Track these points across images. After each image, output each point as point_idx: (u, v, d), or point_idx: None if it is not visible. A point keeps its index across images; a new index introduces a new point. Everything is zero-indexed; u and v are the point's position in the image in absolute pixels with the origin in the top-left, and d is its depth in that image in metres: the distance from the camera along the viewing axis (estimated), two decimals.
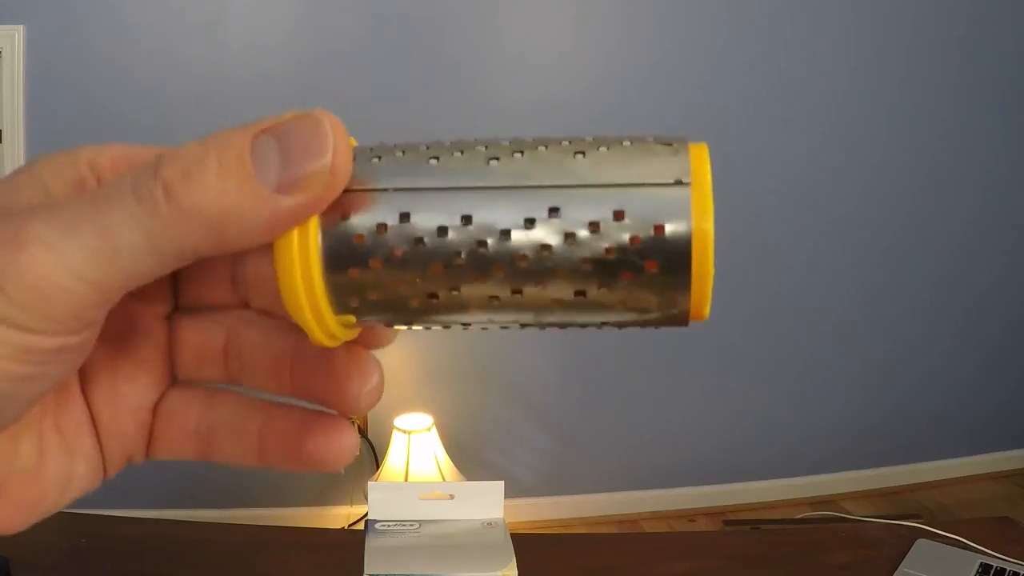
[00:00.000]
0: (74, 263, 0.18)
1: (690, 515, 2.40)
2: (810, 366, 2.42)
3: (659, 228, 0.19)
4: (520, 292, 0.20)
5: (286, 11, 2.01)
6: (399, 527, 0.52)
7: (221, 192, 0.18)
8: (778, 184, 2.24)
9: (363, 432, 2.16)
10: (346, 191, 0.20)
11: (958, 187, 2.36)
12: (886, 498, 2.49)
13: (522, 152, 0.20)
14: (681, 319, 0.20)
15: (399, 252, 0.20)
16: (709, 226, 0.19)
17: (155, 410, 0.25)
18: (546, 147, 0.20)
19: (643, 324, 0.20)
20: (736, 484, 2.44)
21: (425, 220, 0.20)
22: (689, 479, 2.42)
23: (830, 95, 2.21)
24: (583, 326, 0.21)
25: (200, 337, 0.25)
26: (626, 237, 0.19)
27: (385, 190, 0.20)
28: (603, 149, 0.20)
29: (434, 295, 0.20)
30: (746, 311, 2.31)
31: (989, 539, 0.97)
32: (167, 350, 0.25)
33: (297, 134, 0.19)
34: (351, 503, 2.20)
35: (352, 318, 0.21)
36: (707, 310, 0.20)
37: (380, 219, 0.20)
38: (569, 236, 0.19)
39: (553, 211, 0.19)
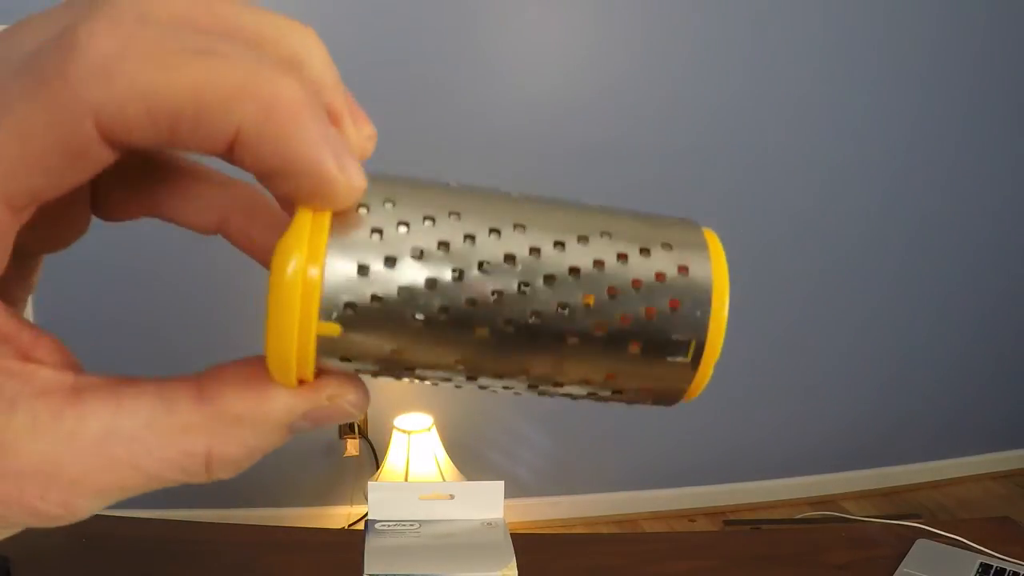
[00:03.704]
0: None
1: (690, 515, 2.40)
2: (810, 366, 2.42)
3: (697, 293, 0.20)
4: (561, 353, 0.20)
5: (291, 4, 2.01)
6: (399, 527, 0.52)
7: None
8: (776, 184, 2.24)
9: (363, 432, 2.17)
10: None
11: (959, 187, 2.36)
12: (886, 498, 2.50)
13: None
14: (677, 395, 0.21)
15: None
16: (724, 313, 0.20)
17: None
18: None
19: (640, 397, 0.21)
20: (736, 484, 2.44)
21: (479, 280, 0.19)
22: (689, 479, 2.42)
23: (833, 96, 2.20)
24: (584, 394, 0.22)
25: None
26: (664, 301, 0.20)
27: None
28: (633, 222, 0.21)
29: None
30: (744, 311, 2.31)
31: (989, 539, 0.97)
32: None
33: None
34: (351, 503, 2.20)
35: (336, 327, 0.19)
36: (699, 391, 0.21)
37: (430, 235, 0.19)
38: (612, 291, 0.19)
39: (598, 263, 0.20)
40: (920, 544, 0.97)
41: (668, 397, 0.21)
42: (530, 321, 0.19)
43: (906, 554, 0.94)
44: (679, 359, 0.20)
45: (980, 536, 0.98)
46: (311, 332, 0.18)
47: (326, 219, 0.18)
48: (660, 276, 0.20)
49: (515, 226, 0.19)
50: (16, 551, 0.79)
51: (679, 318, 0.20)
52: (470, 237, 0.19)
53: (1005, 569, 0.92)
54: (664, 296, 0.20)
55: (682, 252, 0.20)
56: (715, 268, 0.20)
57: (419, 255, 0.18)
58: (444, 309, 0.19)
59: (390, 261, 0.18)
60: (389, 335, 0.19)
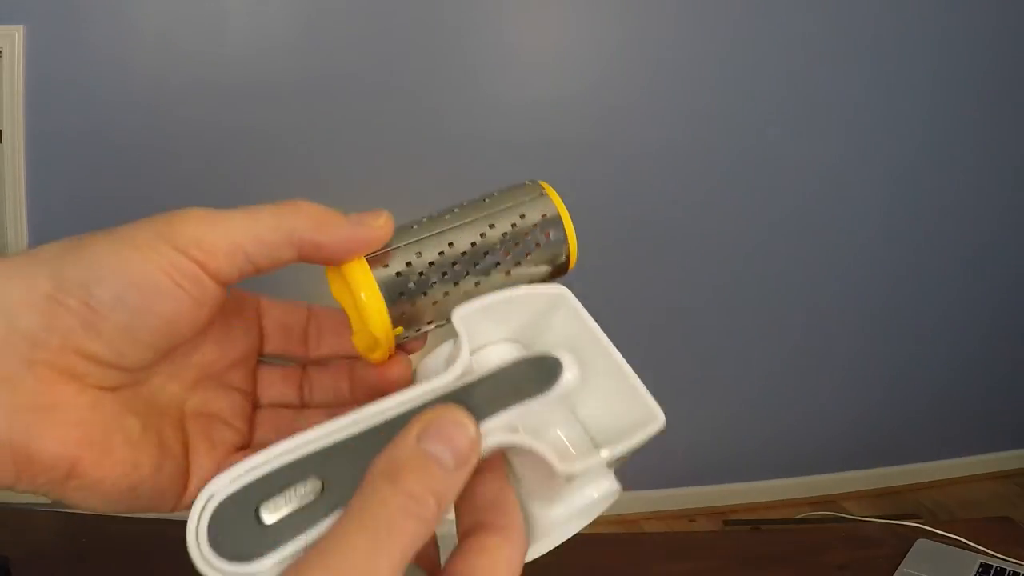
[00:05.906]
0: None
1: (690, 515, 2.40)
2: (810, 365, 2.42)
3: (546, 217, 0.34)
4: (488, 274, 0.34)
5: (287, 6, 2.00)
6: None
7: None
8: (776, 183, 2.24)
9: None
10: (381, 253, 0.31)
11: (957, 185, 2.36)
12: (886, 498, 2.49)
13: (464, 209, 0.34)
14: (565, 268, 0.35)
15: (422, 272, 0.32)
16: (566, 214, 0.34)
17: None
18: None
19: (550, 272, 0.35)
20: (736, 484, 2.44)
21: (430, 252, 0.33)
22: (689, 479, 2.42)
23: (833, 94, 2.20)
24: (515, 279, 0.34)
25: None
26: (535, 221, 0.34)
27: (400, 247, 0.32)
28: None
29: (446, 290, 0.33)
30: (745, 310, 2.31)
31: (989, 539, 0.97)
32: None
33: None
34: None
35: (400, 329, 0.33)
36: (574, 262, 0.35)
37: (406, 258, 0.32)
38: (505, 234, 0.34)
39: (492, 226, 0.34)
40: (920, 544, 0.97)
41: (561, 267, 0.35)
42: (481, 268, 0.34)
43: (906, 554, 0.95)
44: (561, 261, 0.35)
45: (980, 536, 0.98)
46: (392, 339, 0.33)
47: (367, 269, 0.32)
48: (536, 224, 0.34)
49: (472, 244, 0.33)
50: (16, 551, 0.79)
51: (553, 242, 0.34)
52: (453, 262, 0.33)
53: (1005, 569, 0.92)
54: (540, 233, 0.34)
55: (536, 204, 0.34)
56: (557, 204, 0.34)
57: (427, 285, 0.33)
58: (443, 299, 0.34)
59: (420, 288, 0.32)
60: (420, 318, 0.34)
